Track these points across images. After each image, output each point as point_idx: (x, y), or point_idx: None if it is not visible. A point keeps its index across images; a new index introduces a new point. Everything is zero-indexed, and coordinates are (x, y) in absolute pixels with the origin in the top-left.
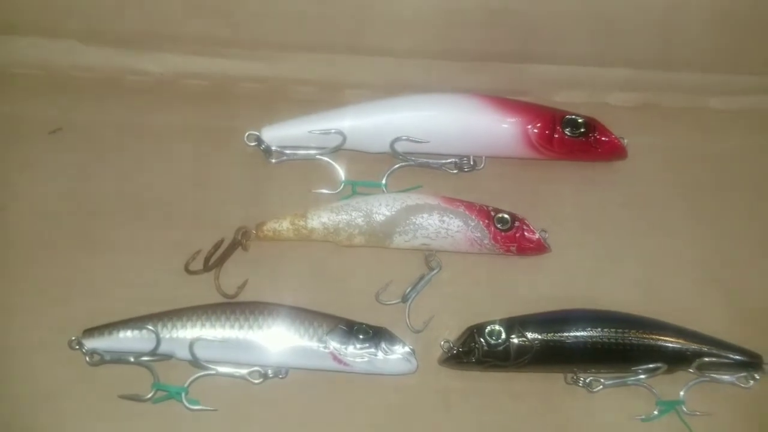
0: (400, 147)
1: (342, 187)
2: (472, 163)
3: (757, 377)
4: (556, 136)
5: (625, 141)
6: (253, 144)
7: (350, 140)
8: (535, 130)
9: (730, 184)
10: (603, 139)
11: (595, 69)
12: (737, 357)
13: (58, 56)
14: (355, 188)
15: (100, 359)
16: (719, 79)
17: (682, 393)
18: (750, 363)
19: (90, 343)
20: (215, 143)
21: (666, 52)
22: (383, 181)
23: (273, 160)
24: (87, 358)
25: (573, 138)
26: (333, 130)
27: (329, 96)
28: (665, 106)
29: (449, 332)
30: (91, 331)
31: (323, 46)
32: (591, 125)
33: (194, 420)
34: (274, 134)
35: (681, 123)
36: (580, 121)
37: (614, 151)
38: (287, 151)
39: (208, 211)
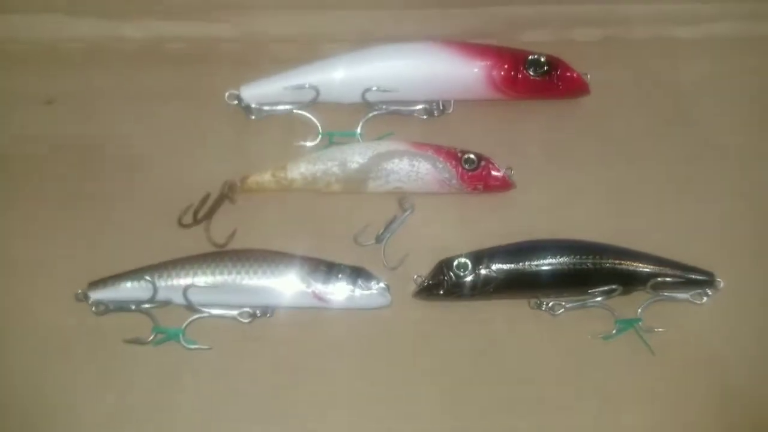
0: (371, 97)
1: (320, 138)
2: (441, 107)
3: (710, 293)
4: (520, 77)
5: (588, 76)
6: (233, 102)
7: (324, 93)
8: (501, 73)
9: (694, 112)
10: (566, 75)
11: (558, 6)
12: (691, 276)
13: (47, 30)
14: (332, 139)
15: (104, 309)
16: (686, 7)
17: (639, 311)
18: (704, 281)
19: (95, 295)
20: (200, 103)
21: None
22: (358, 131)
23: (253, 117)
24: (93, 309)
25: (536, 78)
26: (306, 85)
27: (307, 52)
28: (631, 38)
29: (423, 268)
30: (95, 284)
31: (297, 3)
32: (554, 64)
33: (191, 358)
34: (253, 92)
35: (647, 54)
36: (542, 60)
37: (577, 87)
38: (266, 108)
39: (196, 168)
